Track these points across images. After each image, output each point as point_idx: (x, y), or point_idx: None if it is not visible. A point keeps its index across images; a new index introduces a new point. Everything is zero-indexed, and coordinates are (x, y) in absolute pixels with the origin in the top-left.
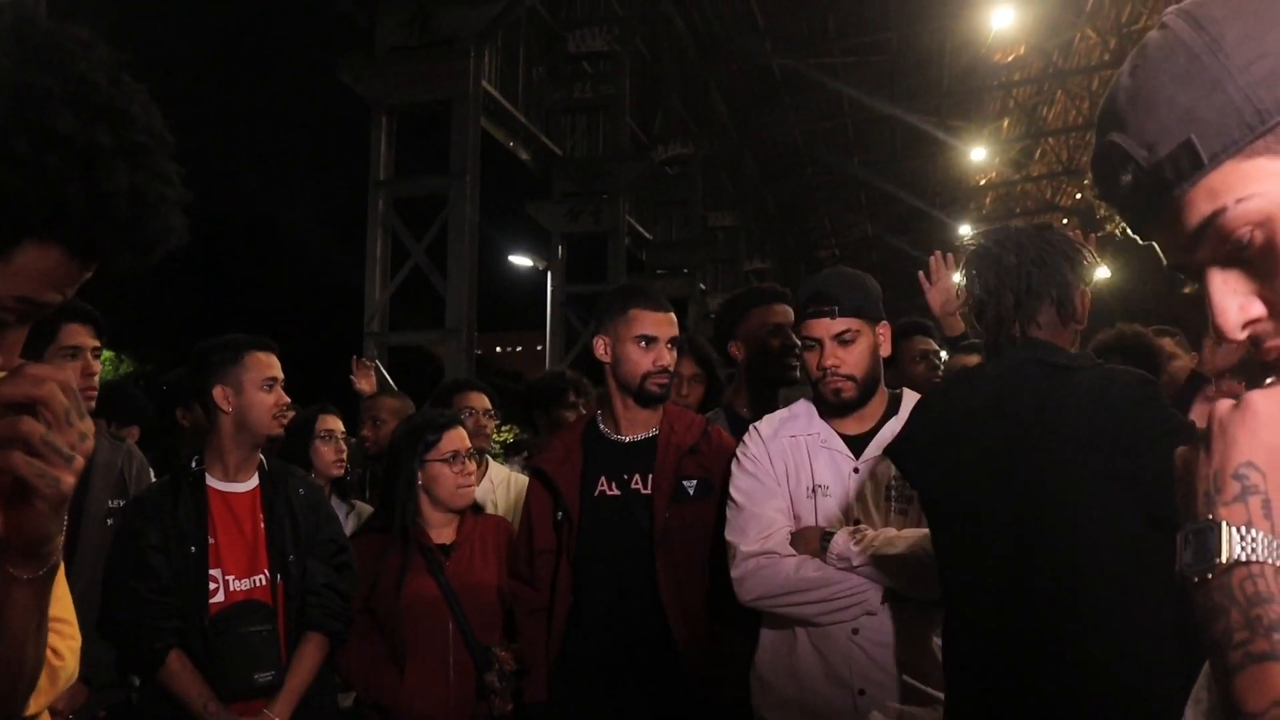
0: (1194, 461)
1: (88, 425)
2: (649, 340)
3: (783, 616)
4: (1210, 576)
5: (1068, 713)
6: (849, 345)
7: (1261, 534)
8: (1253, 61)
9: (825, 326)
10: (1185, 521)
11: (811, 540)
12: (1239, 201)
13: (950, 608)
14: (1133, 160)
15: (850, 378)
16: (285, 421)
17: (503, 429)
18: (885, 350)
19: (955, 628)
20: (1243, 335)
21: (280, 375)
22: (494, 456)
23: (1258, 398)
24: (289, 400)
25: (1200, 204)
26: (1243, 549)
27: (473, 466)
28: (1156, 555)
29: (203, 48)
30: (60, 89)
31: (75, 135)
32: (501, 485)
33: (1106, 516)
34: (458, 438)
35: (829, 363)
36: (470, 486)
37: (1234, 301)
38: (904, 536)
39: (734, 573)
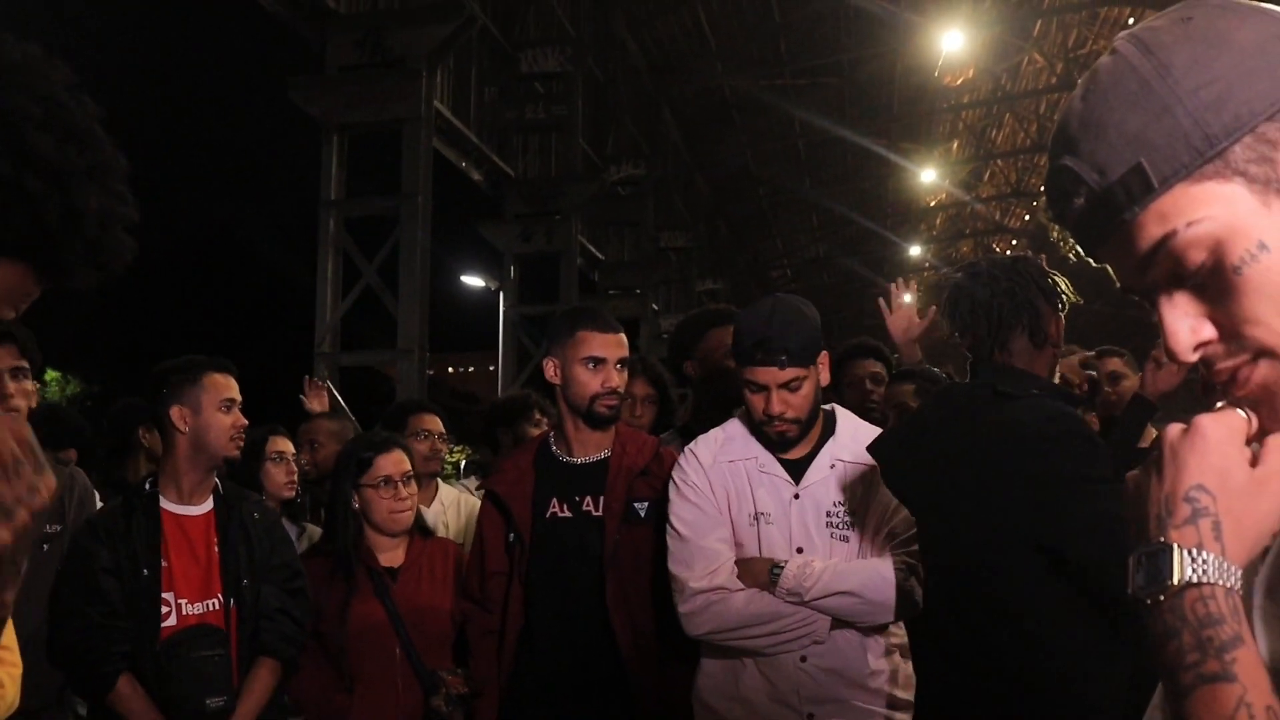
0: (1145, 485)
1: (47, 480)
2: (597, 362)
3: (732, 648)
4: (1162, 599)
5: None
6: (795, 391)
7: (1213, 556)
8: (1201, 87)
9: (773, 375)
10: (1137, 544)
11: (760, 573)
12: (1189, 225)
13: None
14: (1084, 184)
15: (796, 421)
16: (241, 443)
17: (455, 450)
18: (825, 379)
19: (920, 628)
20: (1194, 357)
21: (238, 397)
22: (445, 478)
23: (1206, 421)
24: (246, 422)
25: (1151, 227)
26: (1194, 571)
27: (408, 491)
28: (1050, 581)
29: (153, 67)
30: (37, 110)
31: (53, 157)
32: (452, 507)
33: (1008, 539)
34: (392, 461)
35: (776, 410)
36: (405, 511)
37: (1185, 324)
38: (853, 569)
39: (682, 608)
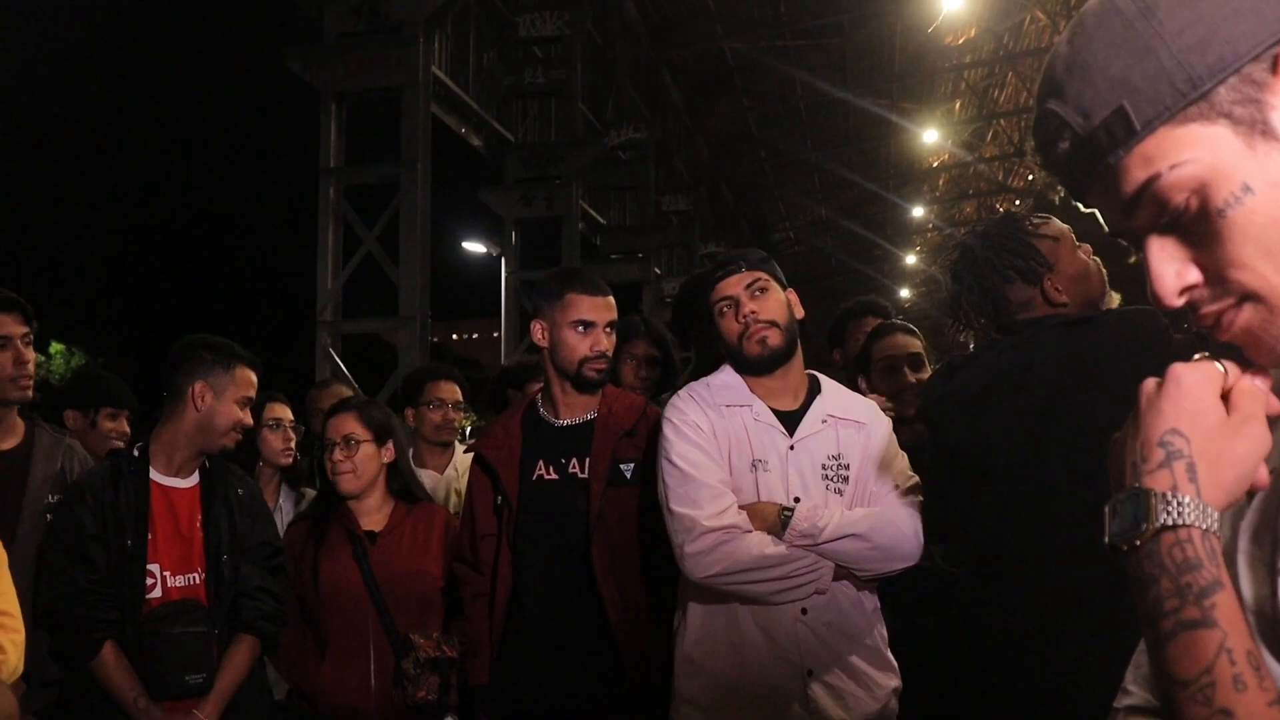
0: (1124, 439)
1: None
2: (586, 325)
3: (735, 594)
4: (1139, 544)
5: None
6: (763, 294)
7: (1188, 498)
8: (1185, 28)
9: (735, 281)
10: (1113, 494)
11: (769, 515)
12: (1173, 168)
13: (976, 565)
14: (1069, 127)
15: (772, 323)
16: (239, 439)
17: (466, 417)
18: (798, 312)
19: (977, 585)
20: (1180, 302)
21: (254, 397)
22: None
23: (1181, 369)
24: (251, 422)
25: (1135, 171)
26: (1168, 514)
27: (344, 455)
28: None
29: (150, 39)
30: None
31: None
32: (465, 473)
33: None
34: (337, 425)
35: (748, 310)
36: (344, 474)
37: (1171, 268)
38: (864, 514)
39: (689, 547)
